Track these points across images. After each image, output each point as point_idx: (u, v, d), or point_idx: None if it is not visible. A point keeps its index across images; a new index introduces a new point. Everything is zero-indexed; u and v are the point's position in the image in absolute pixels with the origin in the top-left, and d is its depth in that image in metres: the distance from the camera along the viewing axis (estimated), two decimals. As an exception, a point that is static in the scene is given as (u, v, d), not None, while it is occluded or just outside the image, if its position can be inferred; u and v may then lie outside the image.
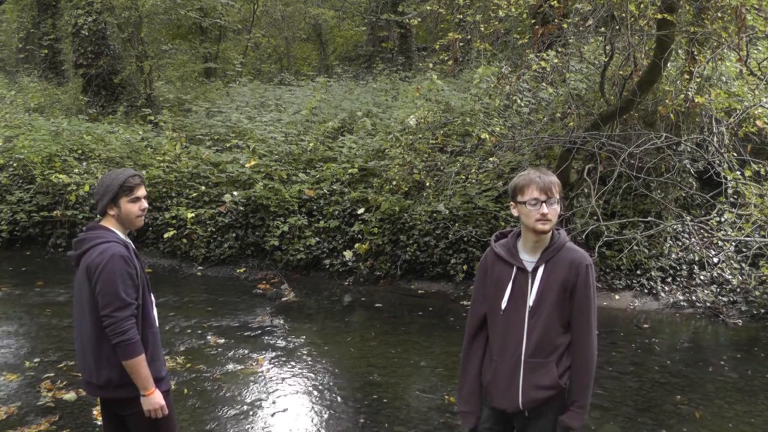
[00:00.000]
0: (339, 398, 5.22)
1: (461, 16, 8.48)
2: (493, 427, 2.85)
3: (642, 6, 6.79)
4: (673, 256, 7.98)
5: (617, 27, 7.40)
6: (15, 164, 10.62)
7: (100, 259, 2.83)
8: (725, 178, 7.46)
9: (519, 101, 9.05)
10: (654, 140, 7.41)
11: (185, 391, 5.25)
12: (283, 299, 7.88)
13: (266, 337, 6.60)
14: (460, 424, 4.73)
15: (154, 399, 2.94)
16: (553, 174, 2.76)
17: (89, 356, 2.94)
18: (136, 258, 2.96)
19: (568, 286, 2.65)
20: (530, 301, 2.68)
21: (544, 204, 2.62)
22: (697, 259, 7.94)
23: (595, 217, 7.46)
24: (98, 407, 3.72)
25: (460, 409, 2.94)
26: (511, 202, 2.77)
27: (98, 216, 3.04)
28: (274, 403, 5.09)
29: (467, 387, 2.88)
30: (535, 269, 2.69)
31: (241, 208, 9.22)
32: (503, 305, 2.72)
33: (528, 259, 2.72)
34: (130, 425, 3.05)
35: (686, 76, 7.52)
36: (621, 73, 7.77)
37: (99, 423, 4.51)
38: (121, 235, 2.99)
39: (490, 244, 2.89)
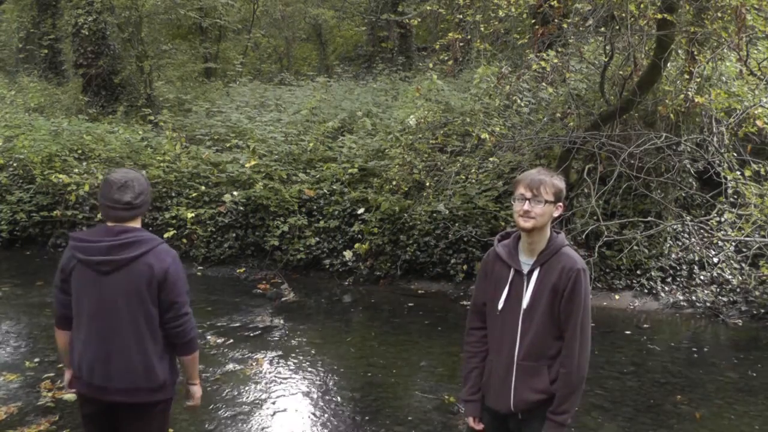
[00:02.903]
0: (339, 398, 5.22)
1: (461, 16, 8.46)
2: (490, 424, 2.87)
3: (642, 6, 6.78)
4: (673, 256, 7.98)
5: (617, 27, 7.40)
6: (15, 164, 10.61)
7: (170, 259, 2.79)
8: (725, 178, 7.46)
9: (519, 101, 9.03)
10: (654, 140, 7.40)
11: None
12: (283, 299, 7.88)
13: (266, 337, 6.60)
14: (459, 423, 4.74)
15: (199, 387, 3.06)
16: (557, 176, 2.73)
17: (136, 360, 2.77)
18: None
19: (558, 291, 2.64)
20: (524, 303, 2.69)
21: (528, 201, 2.62)
22: (697, 259, 7.94)
23: (595, 217, 7.46)
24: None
25: (463, 398, 2.94)
26: None
27: (117, 217, 2.80)
28: (274, 403, 5.09)
29: (471, 379, 2.89)
30: (531, 272, 2.70)
31: (241, 208, 9.22)
32: (500, 306, 2.74)
33: (525, 261, 2.73)
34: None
35: (686, 76, 7.51)
36: (621, 73, 7.76)
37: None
38: None
39: (492, 243, 2.91)
